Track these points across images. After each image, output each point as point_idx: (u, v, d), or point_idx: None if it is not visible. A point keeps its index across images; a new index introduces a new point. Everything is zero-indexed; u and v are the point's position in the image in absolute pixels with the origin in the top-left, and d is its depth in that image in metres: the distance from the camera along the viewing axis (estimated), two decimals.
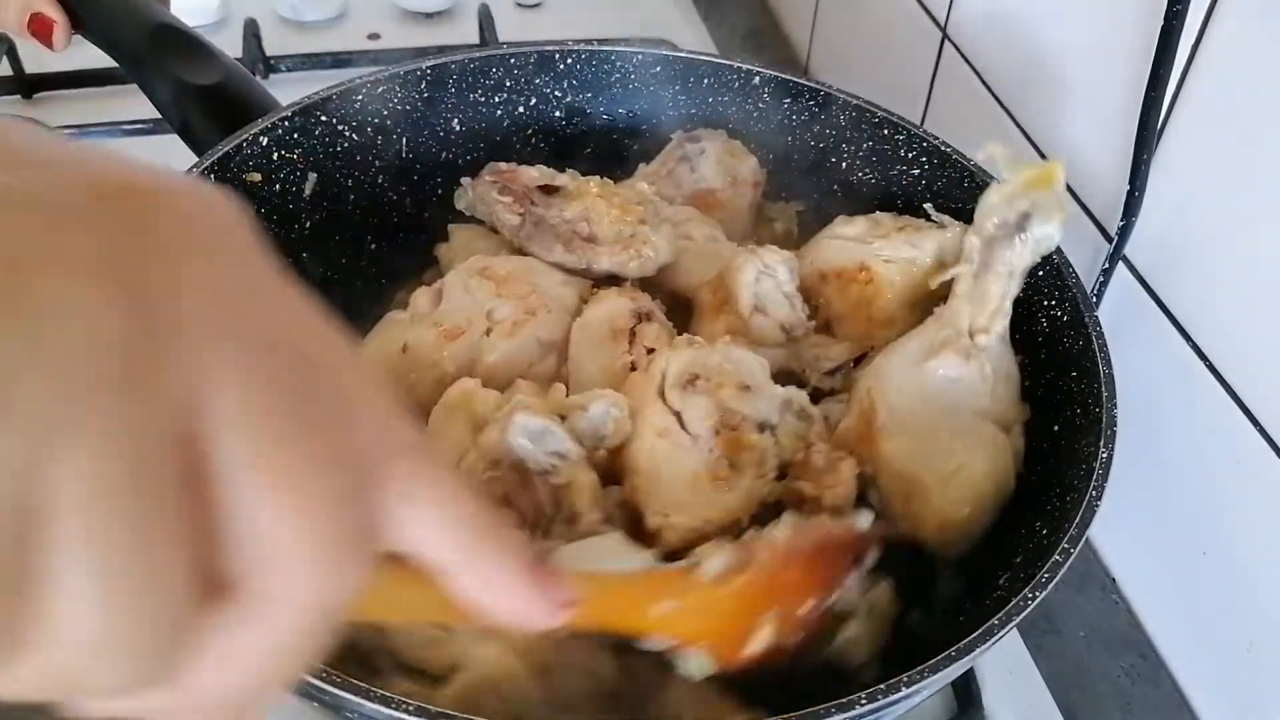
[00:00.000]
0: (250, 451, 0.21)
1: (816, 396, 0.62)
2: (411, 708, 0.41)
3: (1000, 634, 0.46)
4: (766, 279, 0.63)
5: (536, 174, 0.68)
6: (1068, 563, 0.48)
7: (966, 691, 0.63)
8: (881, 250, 0.64)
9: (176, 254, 0.20)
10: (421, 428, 0.24)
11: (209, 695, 0.22)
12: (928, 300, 0.62)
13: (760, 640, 0.42)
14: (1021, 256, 0.56)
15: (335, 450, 0.22)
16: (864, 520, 0.48)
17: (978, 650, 0.45)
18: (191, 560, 0.20)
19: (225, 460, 0.20)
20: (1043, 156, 0.75)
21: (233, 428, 0.20)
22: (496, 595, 0.26)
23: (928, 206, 0.67)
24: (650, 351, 0.61)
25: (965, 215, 0.69)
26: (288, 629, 0.22)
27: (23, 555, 0.18)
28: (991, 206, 0.57)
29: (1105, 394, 0.55)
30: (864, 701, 0.43)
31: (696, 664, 0.42)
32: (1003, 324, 0.57)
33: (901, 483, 0.56)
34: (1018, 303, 0.65)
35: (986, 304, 0.57)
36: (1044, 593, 0.47)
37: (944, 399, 0.56)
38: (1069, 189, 0.72)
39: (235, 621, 0.22)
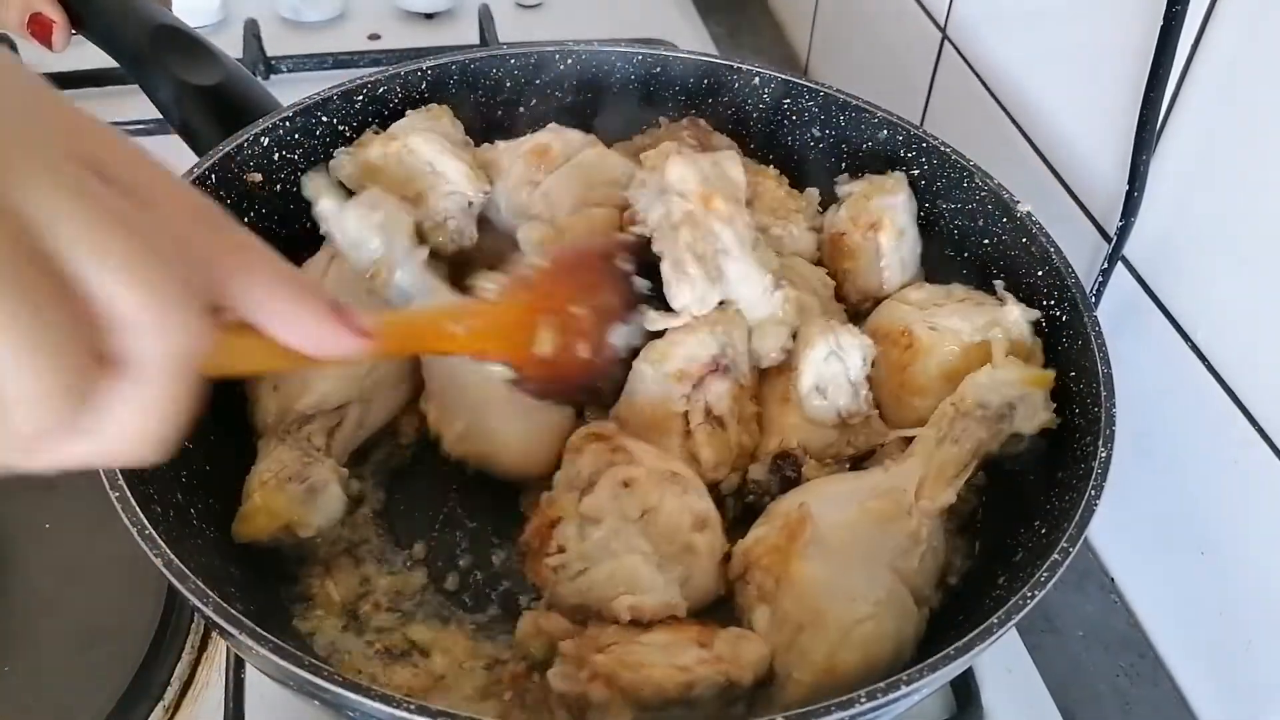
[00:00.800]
0: (92, 248, 0.27)
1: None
2: (413, 706, 0.41)
3: (999, 633, 0.46)
4: (835, 362, 0.59)
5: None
6: (1066, 562, 0.49)
7: (965, 690, 0.63)
8: (931, 317, 0.62)
9: None
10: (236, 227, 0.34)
11: (114, 445, 0.30)
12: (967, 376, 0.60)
13: (544, 342, 0.55)
14: (989, 444, 0.56)
15: (159, 235, 0.29)
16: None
17: (977, 649, 0.45)
18: (77, 337, 0.27)
19: (77, 260, 0.27)
20: (1043, 157, 0.75)
21: (74, 233, 0.27)
22: (306, 333, 0.35)
23: (997, 284, 0.64)
24: (709, 415, 0.59)
25: (965, 215, 0.70)
26: (159, 379, 0.30)
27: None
28: (979, 385, 0.57)
29: (1104, 394, 0.55)
30: (864, 700, 0.43)
31: (498, 371, 0.54)
32: (948, 498, 0.56)
33: (802, 610, 0.52)
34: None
35: (942, 472, 0.56)
36: (1043, 592, 0.48)
37: (872, 546, 0.54)
38: (1068, 189, 0.73)
39: (121, 384, 0.29)
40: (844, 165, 0.75)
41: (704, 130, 0.75)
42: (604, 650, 0.49)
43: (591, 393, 0.61)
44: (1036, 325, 0.63)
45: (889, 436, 0.61)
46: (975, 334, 0.61)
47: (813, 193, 0.74)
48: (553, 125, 0.71)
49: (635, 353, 0.61)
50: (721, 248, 0.60)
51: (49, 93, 0.30)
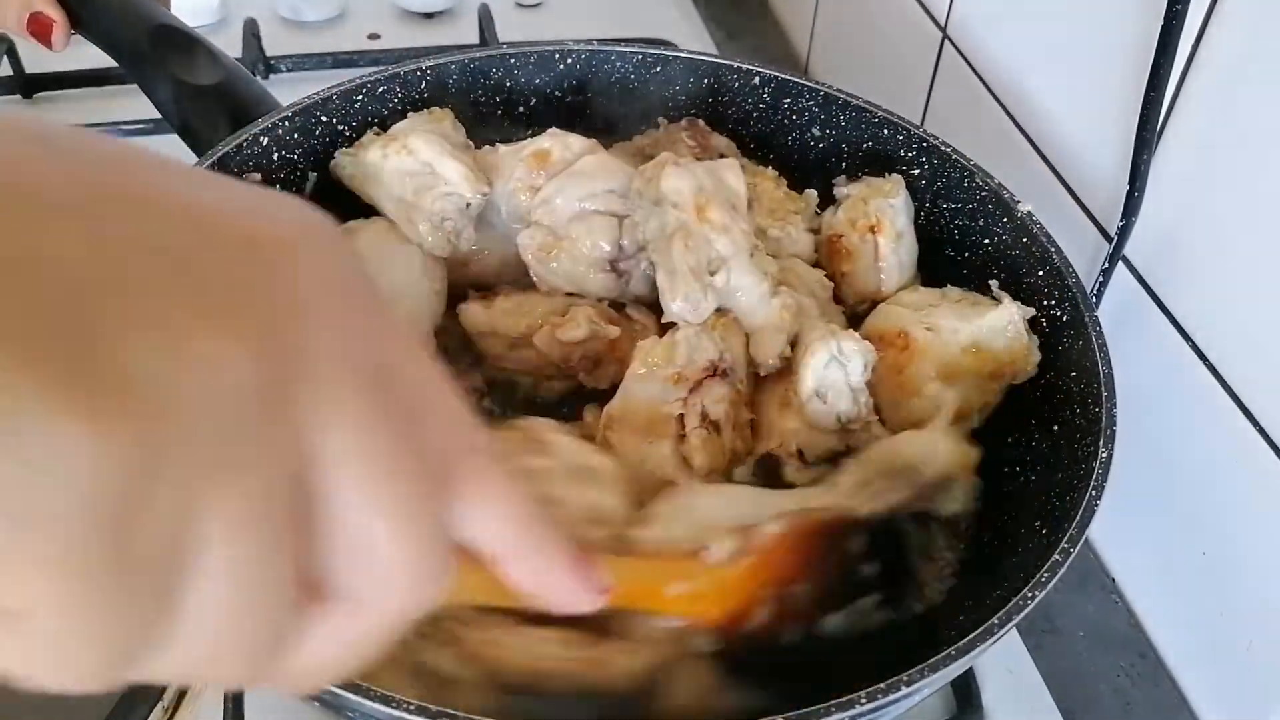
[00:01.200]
0: (358, 479, 0.23)
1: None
2: (412, 707, 0.41)
3: (1000, 634, 0.46)
4: (836, 368, 0.59)
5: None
6: (1067, 562, 0.48)
7: (965, 691, 0.63)
8: (928, 318, 0.63)
9: (304, 301, 0.23)
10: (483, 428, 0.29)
11: (297, 676, 0.26)
12: (965, 376, 0.61)
13: (759, 617, 0.48)
14: (905, 507, 0.55)
15: (421, 461, 0.25)
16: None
17: (977, 649, 0.45)
18: (296, 571, 0.23)
19: (336, 487, 0.23)
20: (1043, 156, 0.75)
21: (344, 459, 0.23)
22: (546, 582, 0.30)
23: (993, 284, 0.65)
24: (705, 420, 0.58)
25: (965, 215, 0.70)
26: (374, 627, 0.25)
27: (176, 577, 0.21)
28: (916, 447, 0.56)
29: (1105, 394, 0.55)
30: (864, 700, 0.43)
31: (702, 640, 0.48)
32: None
33: None
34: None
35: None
36: (1043, 593, 0.47)
37: None
38: (1069, 188, 0.73)
39: (327, 620, 0.25)
40: (844, 165, 0.75)
41: (703, 131, 0.75)
42: (474, 627, 0.48)
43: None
44: (1035, 323, 0.63)
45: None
46: (972, 333, 0.61)
47: (811, 194, 0.74)
48: (553, 130, 0.71)
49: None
50: (716, 256, 0.60)
51: (366, 283, 0.26)
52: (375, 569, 0.24)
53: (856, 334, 0.61)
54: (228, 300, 0.21)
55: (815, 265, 0.71)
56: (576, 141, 0.69)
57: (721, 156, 0.72)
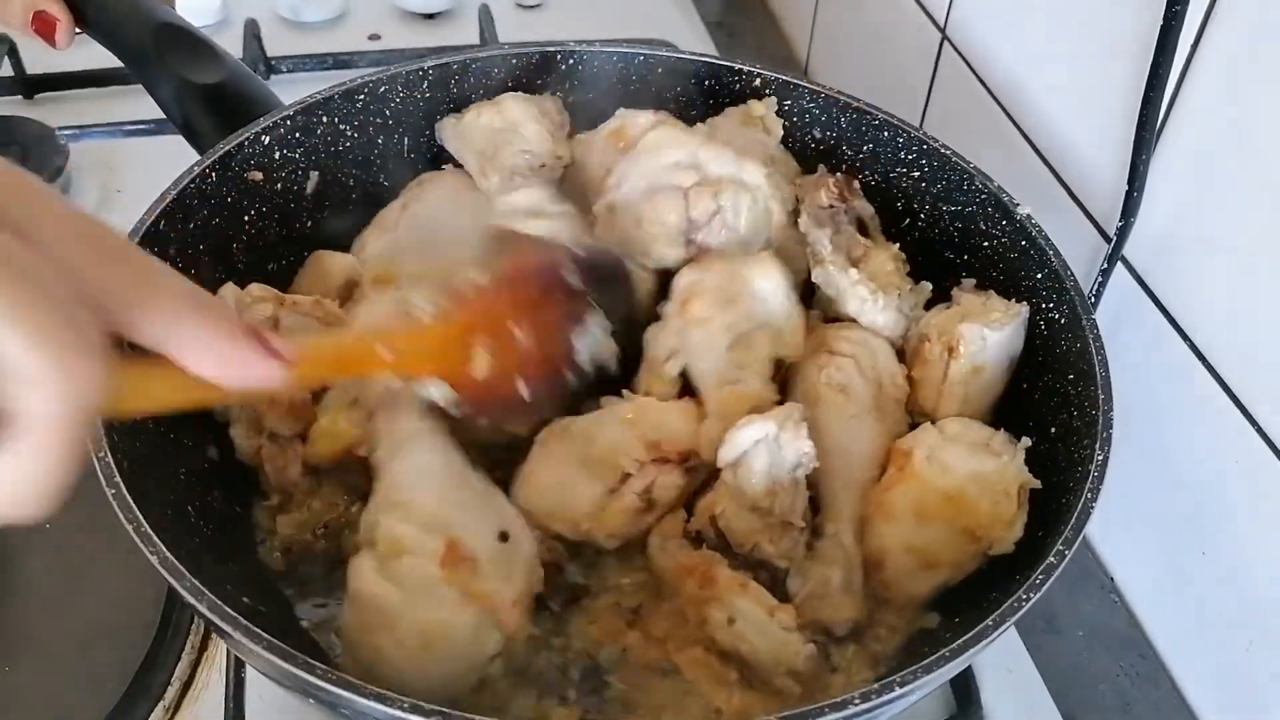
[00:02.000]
0: None
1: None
2: (406, 705, 0.41)
3: (993, 636, 0.46)
4: (764, 451, 0.55)
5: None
6: (1062, 565, 0.49)
7: (965, 690, 0.63)
8: (937, 448, 0.59)
9: None
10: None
11: (10, 496, 0.29)
12: (939, 522, 0.57)
13: (479, 363, 0.53)
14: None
15: (48, 273, 0.28)
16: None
17: (970, 651, 0.45)
18: None
19: None
20: (1042, 157, 0.75)
21: None
22: (218, 362, 0.33)
23: (1025, 440, 0.59)
24: (646, 493, 0.57)
25: (964, 218, 0.70)
26: (50, 431, 0.28)
27: None
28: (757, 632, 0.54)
29: (1102, 397, 0.55)
30: (857, 701, 0.43)
31: (436, 391, 0.53)
32: None
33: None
34: None
35: None
36: (1038, 595, 0.48)
37: None
38: (1068, 189, 0.73)
39: (8, 439, 0.28)
40: (845, 167, 0.75)
41: (854, 190, 0.71)
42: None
43: (531, 414, 0.59)
44: (1033, 325, 0.63)
45: (784, 562, 0.57)
46: (961, 481, 0.56)
47: (925, 286, 0.69)
48: (621, 110, 0.72)
49: (582, 373, 0.59)
50: (679, 348, 0.62)
51: None
52: (26, 382, 0.27)
53: (805, 435, 0.56)
54: None
55: (900, 356, 0.67)
56: (644, 117, 0.70)
57: (859, 220, 0.70)
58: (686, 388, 0.63)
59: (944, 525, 0.56)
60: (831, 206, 0.67)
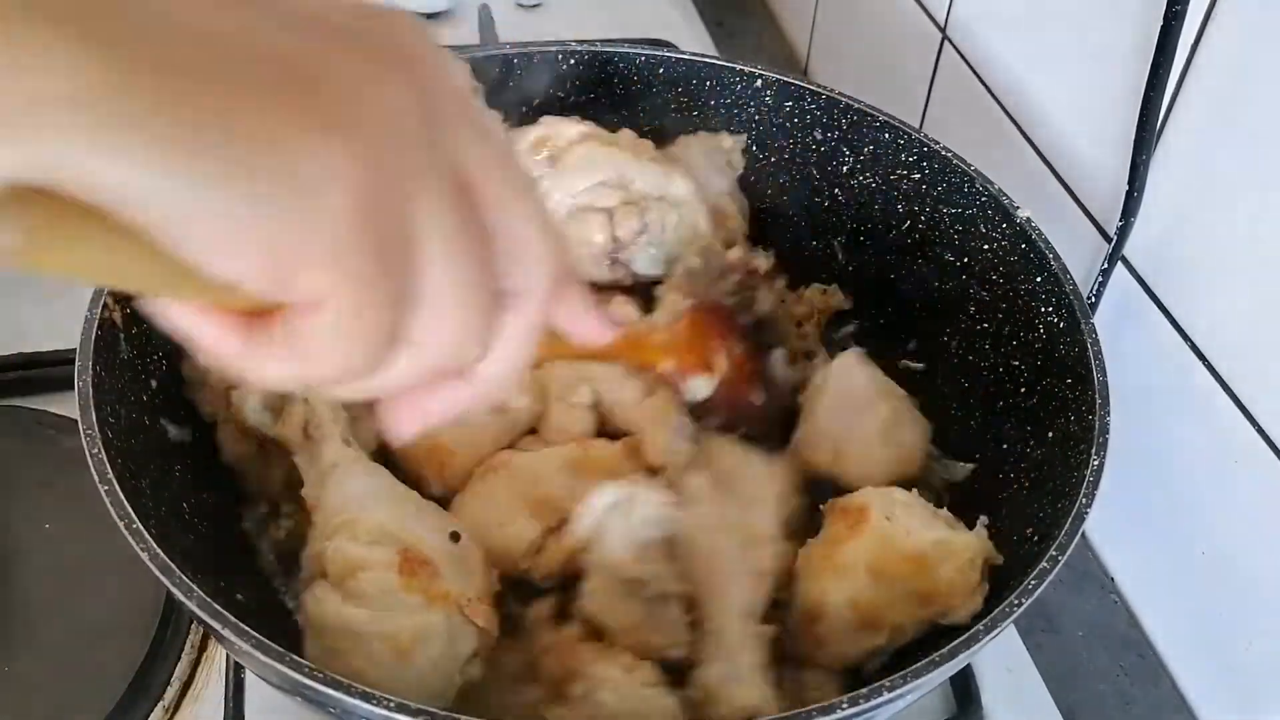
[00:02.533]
0: (505, 188, 0.30)
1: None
2: (393, 704, 0.41)
3: (985, 640, 0.46)
4: (619, 515, 0.54)
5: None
6: (1055, 570, 0.49)
7: (965, 690, 0.63)
8: (894, 509, 0.58)
9: (421, 59, 0.28)
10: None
11: (498, 373, 0.33)
12: (895, 582, 0.55)
13: (720, 363, 0.61)
14: None
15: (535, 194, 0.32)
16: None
17: (961, 655, 0.45)
18: (493, 269, 0.30)
19: (492, 194, 0.29)
20: (1042, 157, 0.75)
21: (490, 174, 0.29)
22: (577, 320, 0.37)
23: (982, 518, 0.58)
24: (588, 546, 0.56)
25: (965, 220, 0.70)
26: (537, 307, 0.32)
27: (412, 259, 0.27)
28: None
29: (1099, 402, 0.55)
30: (845, 706, 0.43)
31: (704, 383, 0.60)
32: None
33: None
34: (1015, 310, 0.65)
35: None
36: (1030, 600, 0.48)
37: None
38: (1068, 189, 0.73)
39: (510, 318, 0.32)
40: (845, 168, 0.75)
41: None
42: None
43: (767, 420, 0.65)
44: (1032, 328, 0.63)
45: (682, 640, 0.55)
46: (931, 544, 0.55)
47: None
48: (545, 118, 0.72)
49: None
50: (591, 379, 0.64)
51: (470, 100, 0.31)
52: (531, 263, 0.31)
53: (662, 489, 0.56)
54: (392, 56, 0.27)
55: None
56: (571, 128, 0.70)
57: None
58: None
59: (898, 586, 0.55)
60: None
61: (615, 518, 0.54)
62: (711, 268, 0.69)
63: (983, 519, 0.57)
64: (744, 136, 0.77)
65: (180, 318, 0.28)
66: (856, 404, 0.66)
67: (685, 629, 0.56)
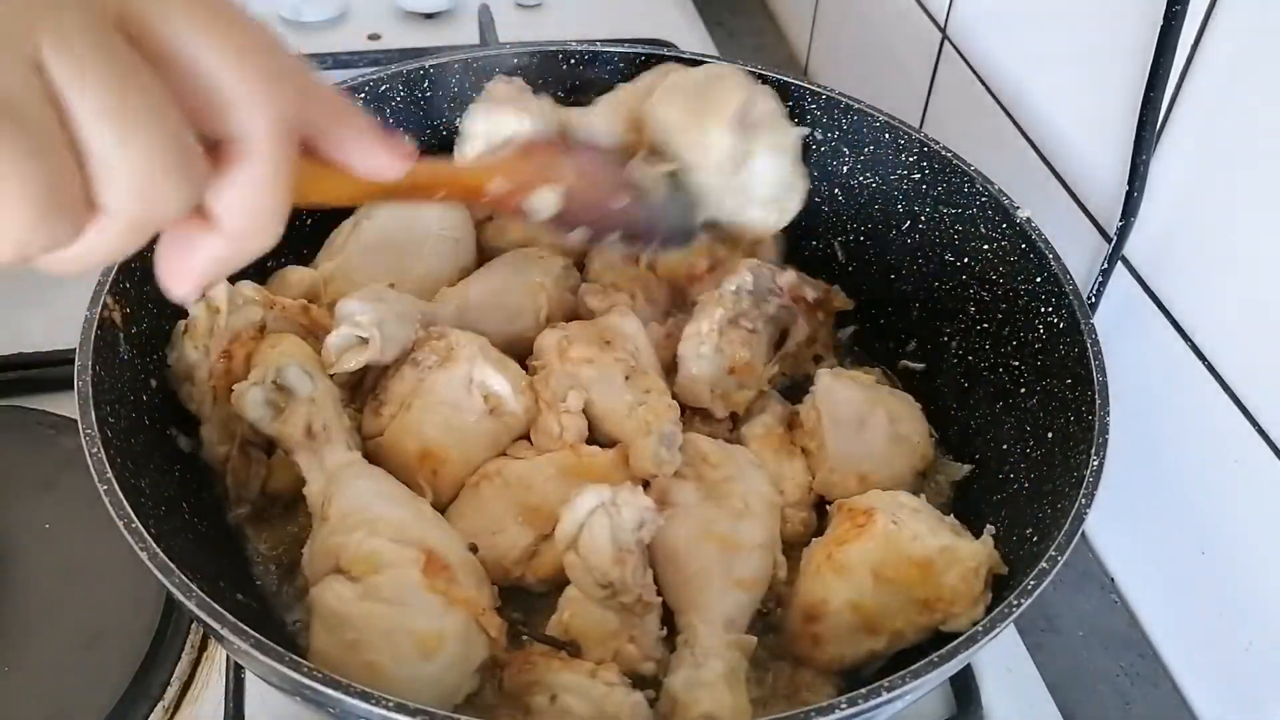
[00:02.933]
0: (194, 32, 0.29)
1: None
2: (391, 704, 0.41)
3: (984, 641, 0.46)
4: (602, 517, 0.53)
5: None
6: (1054, 570, 0.49)
7: (965, 690, 0.63)
8: (900, 512, 0.58)
9: None
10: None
11: (234, 227, 0.32)
12: (898, 586, 0.56)
13: (562, 175, 0.56)
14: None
15: (151, 79, 0.29)
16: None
17: (960, 656, 0.46)
18: (177, 115, 0.29)
19: (175, 40, 0.29)
20: (1042, 157, 0.75)
21: (172, 20, 0.28)
22: (362, 153, 0.37)
23: (989, 528, 0.58)
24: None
25: (965, 220, 0.70)
26: (266, 152, 0.31)
27: (58, 131, 0.26)
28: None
29: (1099, 402, 0.55)
30: (844, 706, 0.43)
31: (549, 196, 0.55)
32: None
33: None
34: (1015, 310, 0.66)
35: None
36: (1029, 600, 0.48)
37: None
38: (1068, 189, 0.73)
39: (231, 168, 0.31)
40: (846, 168, 0.75)
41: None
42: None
43: (630, 226, 0.61)
44: (1031, 329, 0.63)
45: (654, 637, 0.55)
46: (937, 551, 0.55)
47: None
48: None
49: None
50: (577, 384, 0.63)
51: None
52: (242, 107, 0.30)
53: (641, 492, 0.55)
54: None
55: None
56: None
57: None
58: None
59: (901, 591, 0.55)
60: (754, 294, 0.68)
61: (598, 520, 0.53)
62: (760, 287, 0.68)
63: (989, 528, 0.57)
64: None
65: None
66: (855, 421, 0.66)
67: (661, 644, 0.56)
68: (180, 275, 0.34)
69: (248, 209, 0.32)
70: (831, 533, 0.59)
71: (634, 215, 0.62)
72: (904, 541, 0.56)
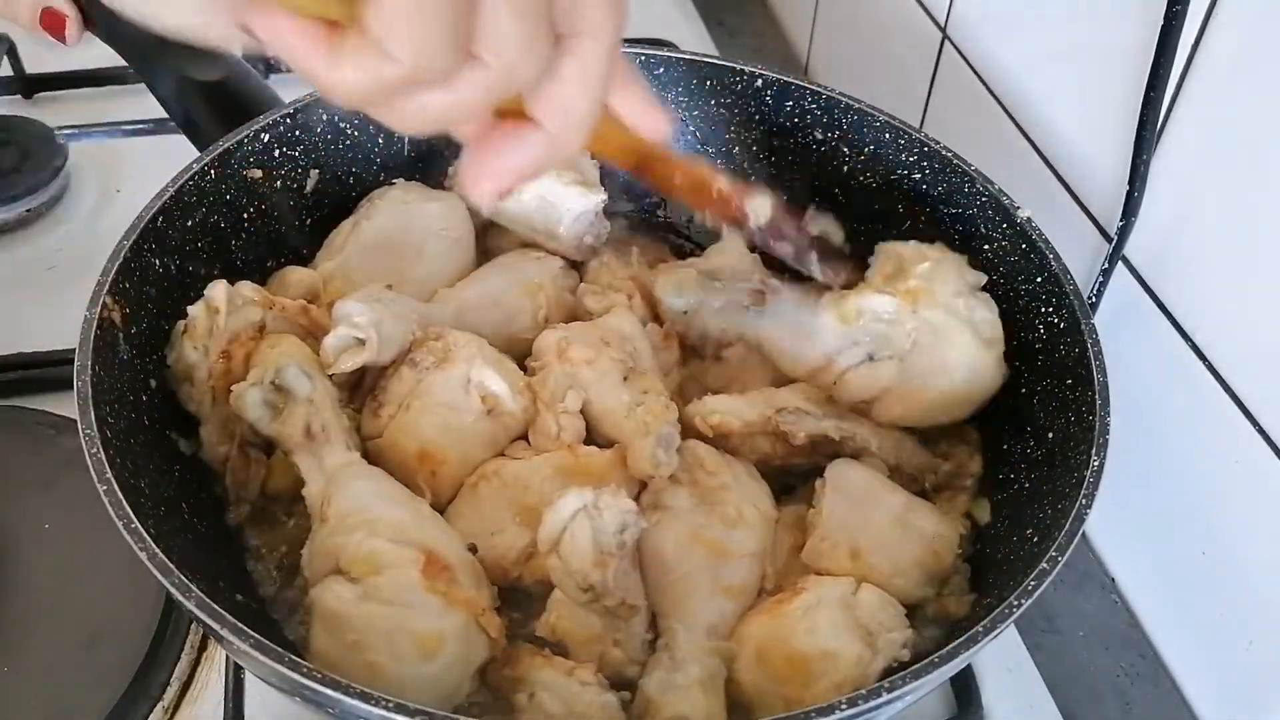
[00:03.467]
0: None
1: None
2: (391, 704, 0.41)
3: (984, 641, 0.46)
4: (585, 521, 0.53)
5: None
6: (1055, 571, 0.49)
7: (966, 690, 0.63)
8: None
9: None
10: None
11: (564, 120, 0.35)
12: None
13: (763, 203, 0.56)
14: None
15: None
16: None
17: (961, 657, 0.45)
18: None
19: None
20: (1042, 157, 0.75)
21: None
22: (643, 109, 0.40)
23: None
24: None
25: (965, 220, 0.70)
26: (604, 65, 0.35)
27: None
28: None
29: (1099, 402, 0.55)
30: (844, 706, 0.43)
31: (759, 204, 0.55)
32: None
33: None
34: (1015, 310, 0.65)
35: None
36: (1030, 601, 0.48)
37: None
38: (1068, 189, 0.73)
39: (567, 64, 0.34)
40: (846, 168, 0.75)
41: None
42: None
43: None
44: (1031, 329, 0.63)
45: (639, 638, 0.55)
46: (820, 655, 0.53)
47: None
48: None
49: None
50: (576, 384, 0.63)
51: None
52: (591, 6, 0.33)
53: (624, 495, 0.54)
54: None
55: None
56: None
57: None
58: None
59: (772, 679, 0.54)
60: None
61: (580, 523, 0.53)
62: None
63: (910, 634, 0.55)
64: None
65: (276, 35, 0.31)
66: (863, 500, 0.61)
67: (645, 647, 0.56)
68: (489, 178, 0.37)
69: (572, 107, 0.35)
70: (763, 600, 0.58)
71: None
72: (797, 633, 0.54)
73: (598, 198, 0.71)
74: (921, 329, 0.61)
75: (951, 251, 0.64)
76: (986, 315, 0.62)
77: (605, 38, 0.34)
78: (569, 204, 0.70)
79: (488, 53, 0.32)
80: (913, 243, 0.65)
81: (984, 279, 0.64)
